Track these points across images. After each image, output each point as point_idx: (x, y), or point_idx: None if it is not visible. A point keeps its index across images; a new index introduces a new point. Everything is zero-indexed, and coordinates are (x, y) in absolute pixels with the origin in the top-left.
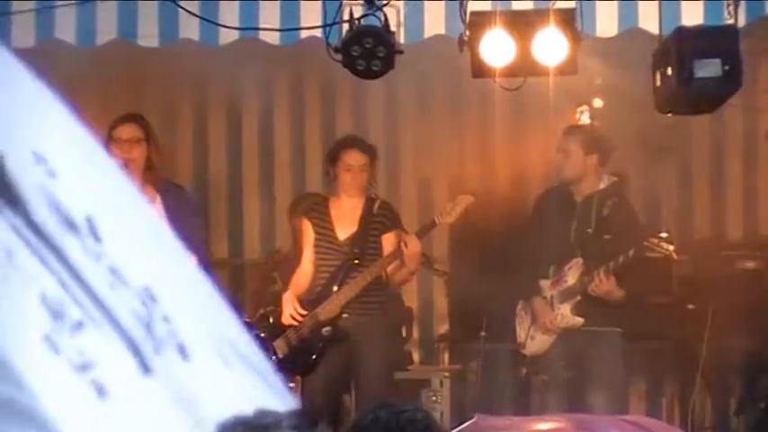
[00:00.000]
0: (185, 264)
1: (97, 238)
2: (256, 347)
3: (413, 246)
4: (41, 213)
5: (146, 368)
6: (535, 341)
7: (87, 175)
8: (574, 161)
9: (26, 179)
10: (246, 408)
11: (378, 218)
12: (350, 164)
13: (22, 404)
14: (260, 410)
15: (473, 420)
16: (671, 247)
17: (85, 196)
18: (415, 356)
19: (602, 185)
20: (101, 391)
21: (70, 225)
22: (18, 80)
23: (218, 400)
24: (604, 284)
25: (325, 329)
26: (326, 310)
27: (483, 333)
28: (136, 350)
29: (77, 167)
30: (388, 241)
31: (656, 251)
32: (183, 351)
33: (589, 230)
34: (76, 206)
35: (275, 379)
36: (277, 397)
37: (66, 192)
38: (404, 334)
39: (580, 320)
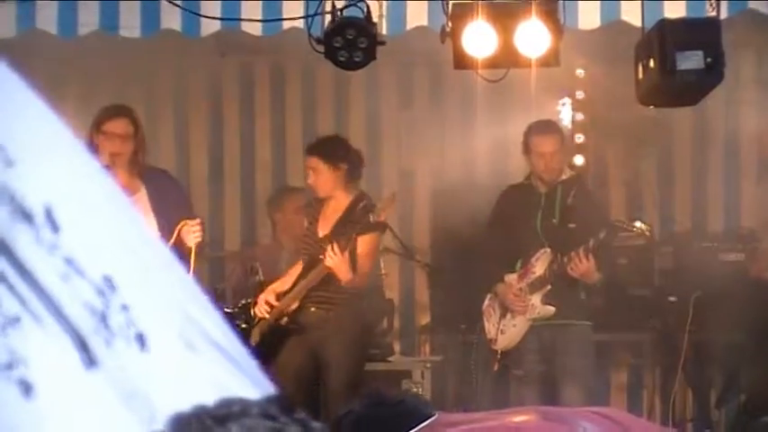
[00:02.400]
0: (155, 248)
1: (55, 228)
2: (231, 333)
3: (333, 254)
4: None
5: (90, 362)
6: (506, 335)
7: (51, 162)
8: (558, 159)
9: None
10: (214, 395)
11: (357, 218)
12: (310, 167)
13: None
14: (225, 399)
15: (434, 418)
16: (643, 226)
17: (46, 184)
18: (396, 347)
19: (563, 176)
20: (27, 389)
21: (23, 215)
22: None
23: (179, 390)
24: (584, 264)
25: (284, 320)
26: (285, 303)
27: (463, 325)
28: (82, 344)
29: (40, 155)
30: (363, 242)
31: (627, 230)
32: (141, 340)
33: (554, 220)
34: (35, 195)
35: (250, 365)
36: (251, 383)
37: (24, 180)
38: (385, 325)
39: (551, 309)
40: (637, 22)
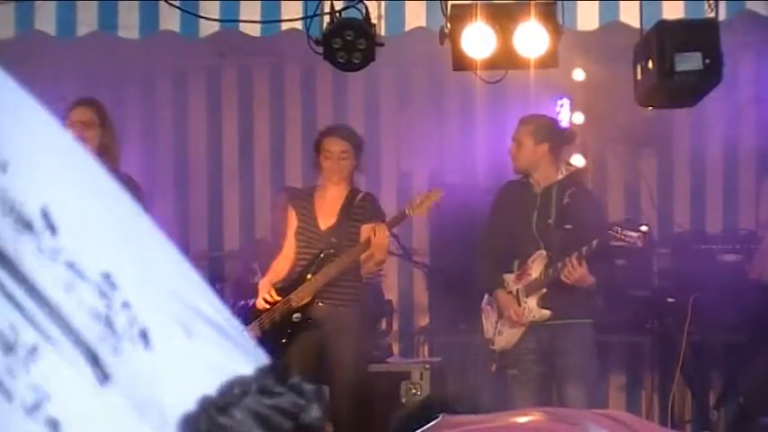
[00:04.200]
0: (149, 234)
1: (53, 230)
2: (222, 307)
3: (381, 235)
4: None
5: (104, 377)
6: (503, 336)
7: (43, 160)
8: (524, 151)
9: None
10: (215, 380)
11: (358, 209)
12: (330, 150)
13: None
14: (226, 383)
15: (437, 420)
16: (635, 234)
17: (40, 184)
18: (395, 349)
19: (560, 176)
20: (54, 426)
21: (25, 224)
22: None
23: (184, 384)
24: (577, 271)
25: (295, 315)
26: (298, 297)
27: (462, 326)
28: (93, 359)
29: (33, 154)
30: (366, 232)
31: (619, 239)
32: (144, 337)
33: (550, 221)
34: (31, 198)
35: (243, 337)
36: (246, 356)
37: (20, 184)
38: (384, 326)
39: (547, 313)
40: (635, 24)
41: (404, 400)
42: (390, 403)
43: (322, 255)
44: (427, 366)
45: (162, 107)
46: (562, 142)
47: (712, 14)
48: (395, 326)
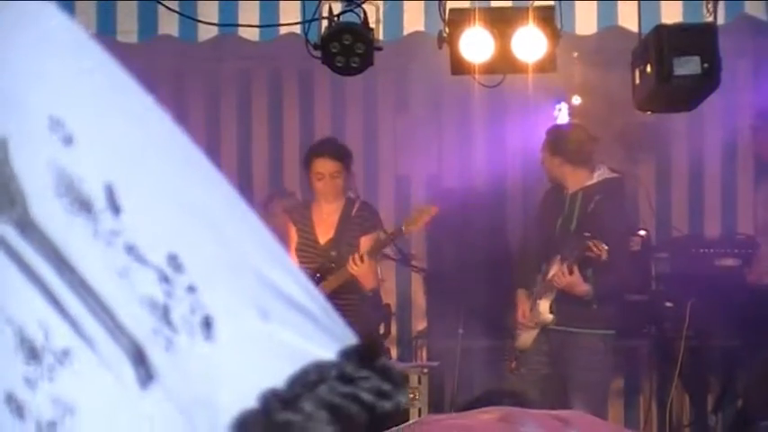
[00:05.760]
0: (230, 207)
1: (116, 210)
2: (307, 283)
3: (360, 268)
4: (46, 206)
5: (147, 377)
6: (522, 335)
7: (110, 130)
8: (545, 163)
9: (34, 159)
10: (291, 366)
11: (356, 220)
12: (320, 172)
13: None
14: (300, 371)
15: (416, 420)
16: (604, 248)
17: (109, 159)
18: (394, 353)
19: (589, 182)
20: None
21: (82, 204)
22: (39, 23)
23: (248, 373)
24: (566, 278)
25: None
26: None
27: (461, 330)
28: (139, 357)
29: (104, 126)
30: (365, 243)
31: (591, 251)
32: (207, 326)
33: (571, 227)
34: (95, 174)
35: (333, 320)
36: (333, 340)
37: (84, 159)
38: (382, 331)
39: (549, 317)
40: (633, 28)
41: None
42: None
43: (322, 270)
44: (425, 371)
45: None
46: (577, 151)
47: (711, 19)
48: (393, 330)
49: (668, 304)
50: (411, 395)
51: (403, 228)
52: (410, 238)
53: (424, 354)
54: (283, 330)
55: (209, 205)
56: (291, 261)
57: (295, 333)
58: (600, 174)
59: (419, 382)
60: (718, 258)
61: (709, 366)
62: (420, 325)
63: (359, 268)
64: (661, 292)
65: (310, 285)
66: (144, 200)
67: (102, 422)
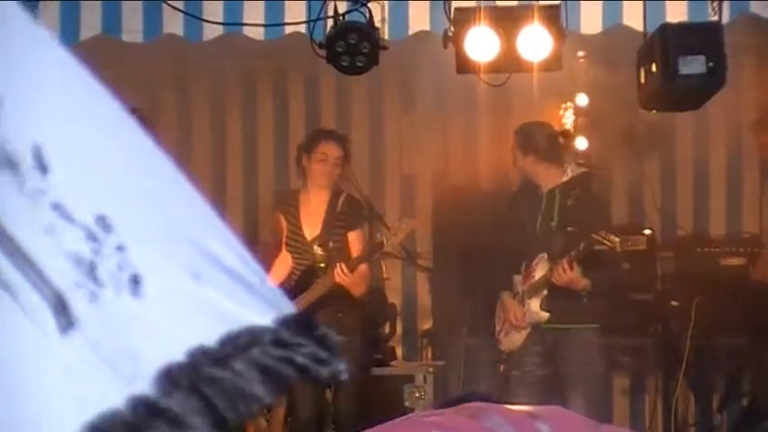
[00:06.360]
0: (161, 172)
1: (44, 170)
2: (244, 253)
3: (345, 277)
4: None
5: (68, 324)
6: (509, 337)
7: (45, 94)
8: (516, 162)
9: None
10: (222, 328)
11: (341, 215)
12: (326, 153)
13: None
14: (232, 332)
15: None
16: (616, 239)
17: (38, 121)
18: (399, 352)
19: (564, 178)
20: (9, 393)
21: (7, 163)
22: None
23: (177, 332)
24: (567, 274)
25: None
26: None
27: (465, 329)
28: (60, 305)
29: (33, 88)
30: (353, 239)
31: (602, 243)
32: (135, 283)
33: (552, 224)
34: (23, 135)
35: (268, 288)
36: (268, 307)
37: (12, 121)
38: (387, 330)
39: (545, 315)
40: (639, 27)
41: (407, 404)
42: (393, 406)
43: (311, 269)
44: (431, 370)
45: (165, 110)
46: (547, 148)
47: (716, 17)
48: (398, 329)
49: (673, 303)
50: (416, 394)
51: (384, 241)
52: (416, 238)
53: (430, 353)
54: (216, 293)
55: (143, 174)
56: (231, 233)
57: (228, 297)
58: (572, 169)
59: (424, 380)
60: (724, 257)
61: (714, 365)
62: (425, 324)
63: (346, 277)
64: (666, 291)
65: (248, 255)
66: (75, 163)
67: (22, 368)
